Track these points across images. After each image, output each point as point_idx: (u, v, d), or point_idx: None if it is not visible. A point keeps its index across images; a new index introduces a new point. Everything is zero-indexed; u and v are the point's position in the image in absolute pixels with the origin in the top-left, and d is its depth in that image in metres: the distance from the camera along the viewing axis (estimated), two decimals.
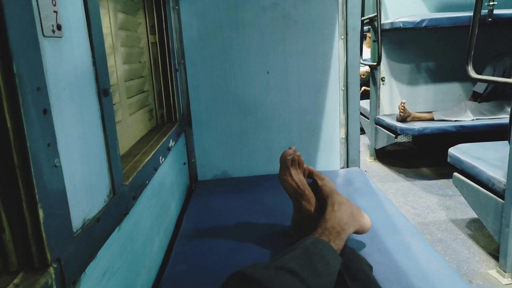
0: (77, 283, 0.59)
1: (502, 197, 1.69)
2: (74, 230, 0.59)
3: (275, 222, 1.26)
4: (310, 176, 1.12)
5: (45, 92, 0.52)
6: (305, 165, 1.12)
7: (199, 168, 1.73)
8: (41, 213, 0.50)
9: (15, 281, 0.49)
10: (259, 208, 1.38)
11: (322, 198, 1.03)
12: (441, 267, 0.96)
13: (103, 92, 0.72)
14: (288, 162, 1.06)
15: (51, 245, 0.51)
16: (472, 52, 1.79)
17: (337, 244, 0.86)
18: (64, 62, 0.59)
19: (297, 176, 1.07)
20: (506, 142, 1.88)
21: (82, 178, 0.63)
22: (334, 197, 1.00)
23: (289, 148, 1.08)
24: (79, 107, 0.63)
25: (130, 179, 0.88)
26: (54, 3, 0.56)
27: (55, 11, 0.56)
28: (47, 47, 0.54)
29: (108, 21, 1.02)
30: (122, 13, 1.14)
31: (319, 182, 1.08)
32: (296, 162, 1.09)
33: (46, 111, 0.52)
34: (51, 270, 0.51)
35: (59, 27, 0.57)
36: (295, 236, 1.09)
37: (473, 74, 1.82)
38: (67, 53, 0.59)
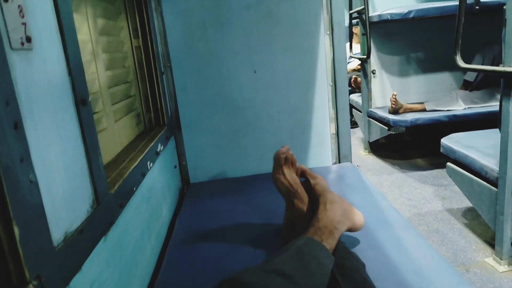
0: None
1: (496, 185, 1.69)
2: (55, 244, 0.58)
3: (269, 222, 1.26)
4: (303, 175, 1.12)
5: (15, 105, 0.51)
6: (297, 164, 1.12)
7: (190, 171, 1.72)
8: (16, 230, 0.48)
9: None
10: (252, 208, 1.38)
11: (315, 197, 1.03)
12: (434, 260, 0.96)
13: (81, 101, 0.71)
14: (281, 160, 1.06)
15: (29, 262, 0.50)
16: (460, 41, 1.79)
17: (330, 244, 0.86)
18: (36, 74, 0.57)
19: (290, 175, 1.07)
20: (497, 130, 1.88)
21: (61, 191, 0.62)
22: (326, 196, 0.99)
23: (283, 146, 1.08)
24: (54, 118, 0.62)
25: (116, 187, 0.86)
26: (22, 15, 0.54)
27: (24, 23, 0.55)
28: (16, 60, 0.52)
29: (87, 28, 1.01)
30: (103, 18, 1.13)
31: (312, 181, 1.07)
32: (289, 161, 1.08)
33: (17, 125, 0.50)
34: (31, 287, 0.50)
35: (28, 39, 0.55)
36: (288, 235, 1.08)
37: (461, 63, 1.81)
38: (39, 64, 0.58)
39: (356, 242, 1.06)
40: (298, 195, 1.04)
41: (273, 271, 0.73)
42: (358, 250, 1.00)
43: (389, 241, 1.05)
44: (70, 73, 0.68)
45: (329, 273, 0.78)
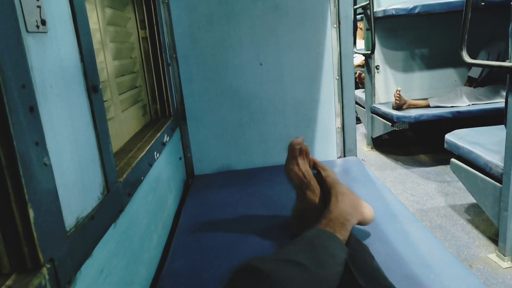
0: (73, 282, 0.58)
1: (500, 181, 1.69)
2: (67, 229, 0.58)
3: (273, 214, 1.26)
4: (314, 167, 1.11)
5: (31, 89, 0.50)
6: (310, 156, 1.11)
7: (195, 163, 1.72)
8: (31, 213, 0.49)
9: (8, 283, 0.48)
10: (257, 200, 1.38)
11: (326, 188, 1.03)
12: (441, 254, 0.96)
13: (93, 88, 0.71)
14: (296, 151, 1.05)
15: (43, 246, 0.50)
16: (466, 37, 1.78)
17: (343, 235, 0.86)
18: (50, 58, 0.57)
19: (304, 166, 1.06)
20: (502, 126, 1.88)
21: (73, 176, 0.62)
22: (337, 188, 0.99)
23: (297, 137, 1.07)
24: (67, 104, 0.62)
25: (125, 176, 0.87)
26: None
27: (39, 6, 0.54)
28: (31, 43, 0.52)
29: (96, 17, 1.00)
30: (110, 8, 1.12)
31: (323, 173, 1.07)
32: (304, 152, 1.08)
33: (33, 109, 0.50)
34: (44, 270, 0.50)
35: (43, 22, 0.55)
36: (296, 226, 1.08)
37: (467, 59, 1.81)
38: (52, 48, 0.58)
39: (364, 235, 1.06)
40: (311, 186, 1.04)
41: (289, 261, 0.72)
42: (366, 243, 1.00)
43: (396, 234, 1.05)
44: (82, 60, 0.68)
45: (342, 264, 0.78)
